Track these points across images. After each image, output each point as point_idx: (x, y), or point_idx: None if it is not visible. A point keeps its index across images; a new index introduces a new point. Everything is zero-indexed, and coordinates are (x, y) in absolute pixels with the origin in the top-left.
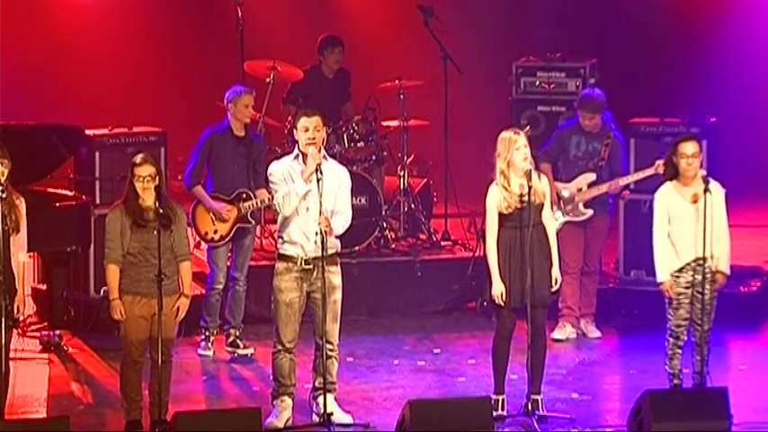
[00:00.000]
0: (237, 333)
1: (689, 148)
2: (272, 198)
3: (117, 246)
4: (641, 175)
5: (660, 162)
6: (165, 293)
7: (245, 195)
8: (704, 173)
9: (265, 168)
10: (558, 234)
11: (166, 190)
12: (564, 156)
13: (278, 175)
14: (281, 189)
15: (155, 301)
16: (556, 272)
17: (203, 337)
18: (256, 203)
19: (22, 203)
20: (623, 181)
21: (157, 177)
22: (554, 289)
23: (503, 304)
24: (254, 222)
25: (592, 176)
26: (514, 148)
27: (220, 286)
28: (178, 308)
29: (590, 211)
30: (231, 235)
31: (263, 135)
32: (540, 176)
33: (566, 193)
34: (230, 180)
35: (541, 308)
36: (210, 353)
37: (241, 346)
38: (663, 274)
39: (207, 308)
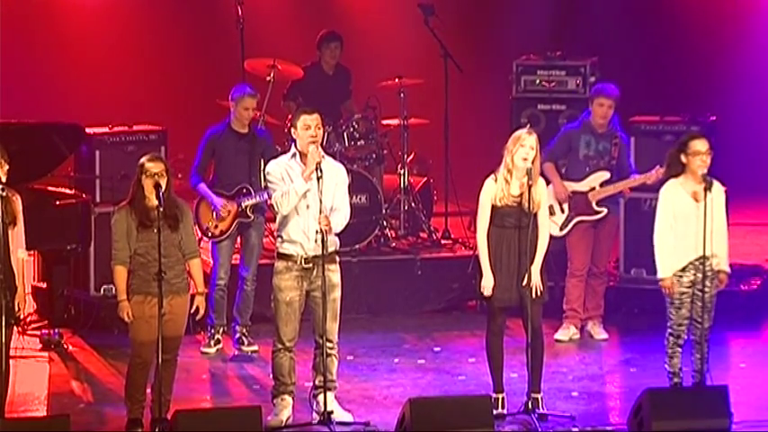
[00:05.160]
0: (244, 331)
1: (702, 145)
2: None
3: (124, 246)
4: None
5: None
6: (176, 292)
7: (245, 190)
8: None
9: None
10: (567, 235)
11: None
12: (572, 155)
13: (276, 174)
14: (280, 188)
15: (165, 301)
16: (534, 272)
17: (209, 334)
18: (256, 199)
19: (18, 200)
20: (643, 178)
21: (165, 175)
22: (529, 284)
23: (489, 296)
24: (252, 217)
25: (606, 175)
26: (519, 145)
27: (222, 282)
28: (197, 307)
29: (604, 210)
30: (231, 230)
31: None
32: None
33: (583, 188)
34: (233, 176)
35: (536, 306)
36: (213, 350)
37: (246, 343)
38: (664, 271)
39: (213, 306)
